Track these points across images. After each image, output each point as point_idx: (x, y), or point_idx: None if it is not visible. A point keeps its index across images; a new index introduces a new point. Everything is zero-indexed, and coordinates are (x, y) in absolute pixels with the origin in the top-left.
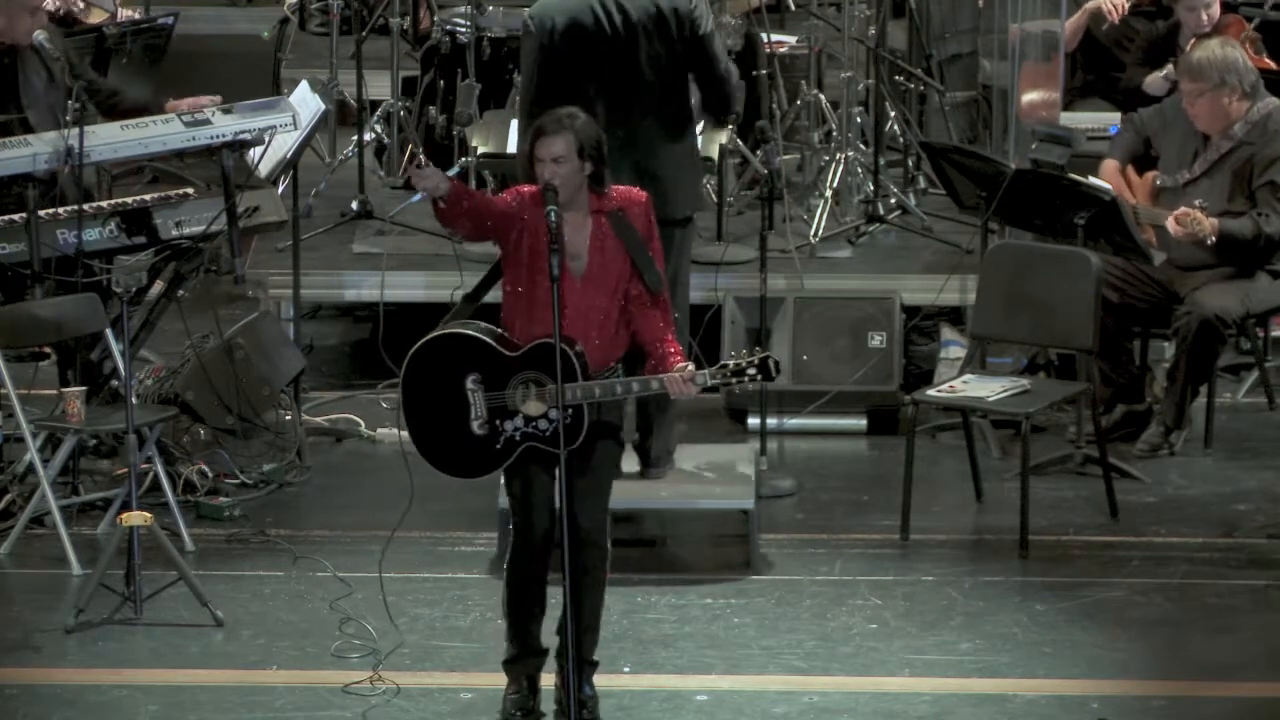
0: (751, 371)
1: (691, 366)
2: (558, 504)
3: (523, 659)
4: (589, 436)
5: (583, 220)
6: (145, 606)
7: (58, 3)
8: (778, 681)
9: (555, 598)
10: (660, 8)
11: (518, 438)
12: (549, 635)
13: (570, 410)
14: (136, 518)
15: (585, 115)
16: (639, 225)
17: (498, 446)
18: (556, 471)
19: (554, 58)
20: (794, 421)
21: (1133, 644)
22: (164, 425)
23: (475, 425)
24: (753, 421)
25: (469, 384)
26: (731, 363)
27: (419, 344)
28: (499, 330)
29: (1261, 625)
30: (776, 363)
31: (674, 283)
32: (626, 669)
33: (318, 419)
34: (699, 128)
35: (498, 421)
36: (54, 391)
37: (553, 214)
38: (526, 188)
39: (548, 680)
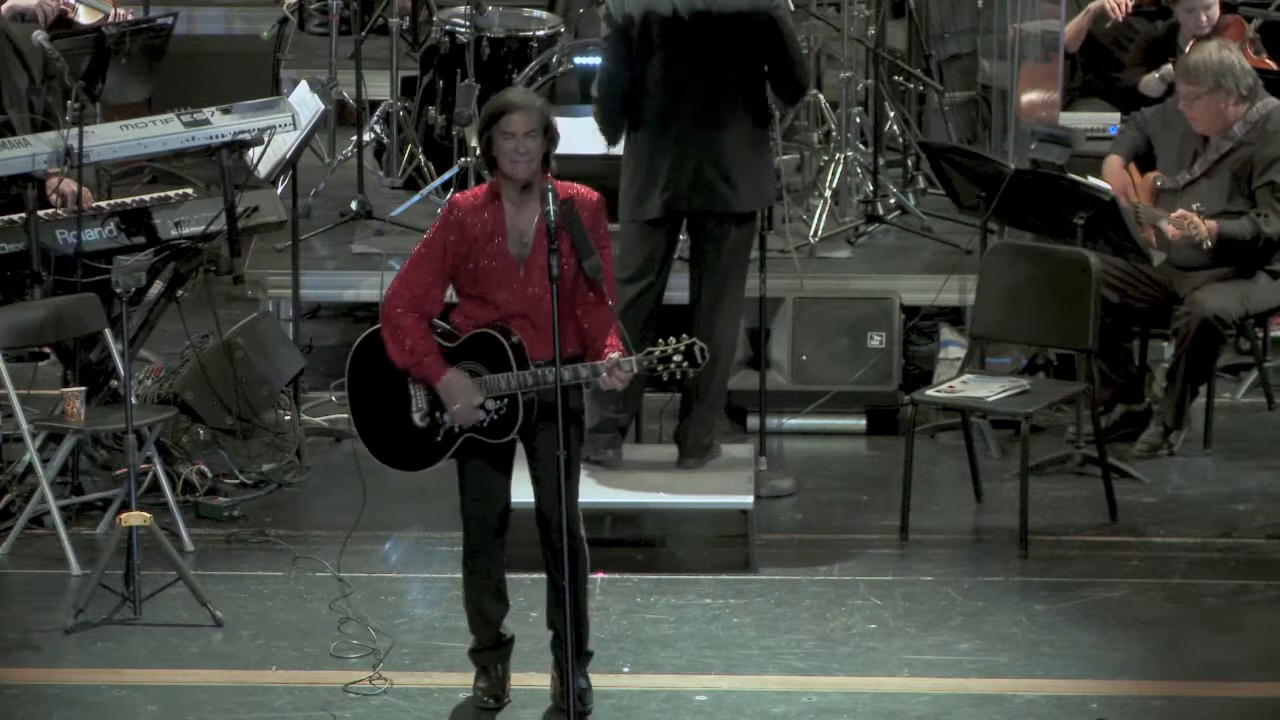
0: (677, 358)
1: (618, 355)
2: (509, 497)
3: (488, 650)
4: (547, 427)
5: (533, 204)
6: (144, 606)
7: (51, 4)
8: (777, 681)
9: (533, 590)
10: None
11: (456, 429)
12: (516, 625)
13: (505, 400)
14: (136, 518)
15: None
16: (586, 219)
17: (438, 439)
18: (508, 461)
19: (631, 46)
20: (793, 421)
21: (1132, 644)
22: (163, 425)
23: (416, 418)
24: (752, 421)
25: (409, 377)
26: (658, 350)
27: (360, 338)
28: (442, 324)
29: (1261, 625)
30: (703, 349)
31: (726, 279)
32: (626, 669)
33: (317, 419)
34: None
35: (437, 413)
36: (54, 391)
37: (552, 213)
38: (459, 200)
39: (538, 680)
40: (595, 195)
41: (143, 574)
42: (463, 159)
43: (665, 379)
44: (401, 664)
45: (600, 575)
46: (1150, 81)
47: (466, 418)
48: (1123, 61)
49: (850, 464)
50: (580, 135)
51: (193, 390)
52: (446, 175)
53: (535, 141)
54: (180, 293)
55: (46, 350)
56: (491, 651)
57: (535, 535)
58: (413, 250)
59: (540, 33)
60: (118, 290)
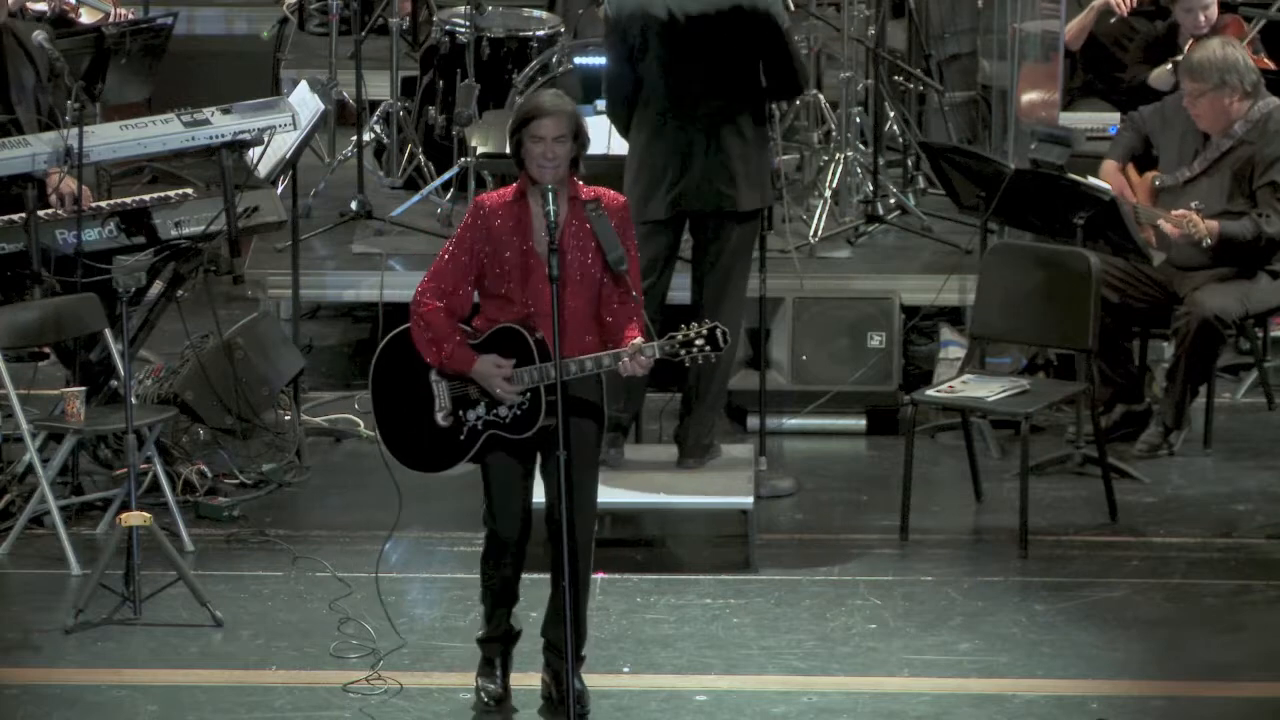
0: (700, 342)
1: (640, 340)
2: (531, 500)
3: (498, 640)
4: (565, 425)
5: (562, 205)
6: (144, 606)
7: (51, 3)
8: (777, 682)
9: (532, 590)
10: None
11: (480, 426)
12: (523, 622)
13: (528, 395)
14: (136, 518)
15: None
16: (614, 220)
17: (461, 437)
18: (530, 462)
19: (630, 47)
20: (793, 421)
21: (1132, 644)
22: (163, 425)
23: (440, 417)
24: (752, 421)
25: (432, 376)
26: (680, 334)
27: (383, 342)
28: (464, 327)
29: (1261, 625)
30: (725, 332)
31: (728, 279)
32: (626, 669)
33: (317, 419)
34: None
35: (461, 412)
36: (54, 391)
37: (551, 214)
38: (485, 200)
39: (528, 680)
40: (621, 198)
41: (143, 574)
42: (463, 159)
43: (688, 364)
44: (401, 664)
45: (600, 575)
46: (1162, 74)
47: (511, 395)
48: (1123, 61)
49: (850, 464)
50: None
51: (193, 390)
52: (446, 175)
53: (564, 146)
54: (180, 293)
55: (46, 350)
56: (499, 643)
57: (539, 535)
58: (440, 249)
59: (540, 33)
60: (118, 290)
